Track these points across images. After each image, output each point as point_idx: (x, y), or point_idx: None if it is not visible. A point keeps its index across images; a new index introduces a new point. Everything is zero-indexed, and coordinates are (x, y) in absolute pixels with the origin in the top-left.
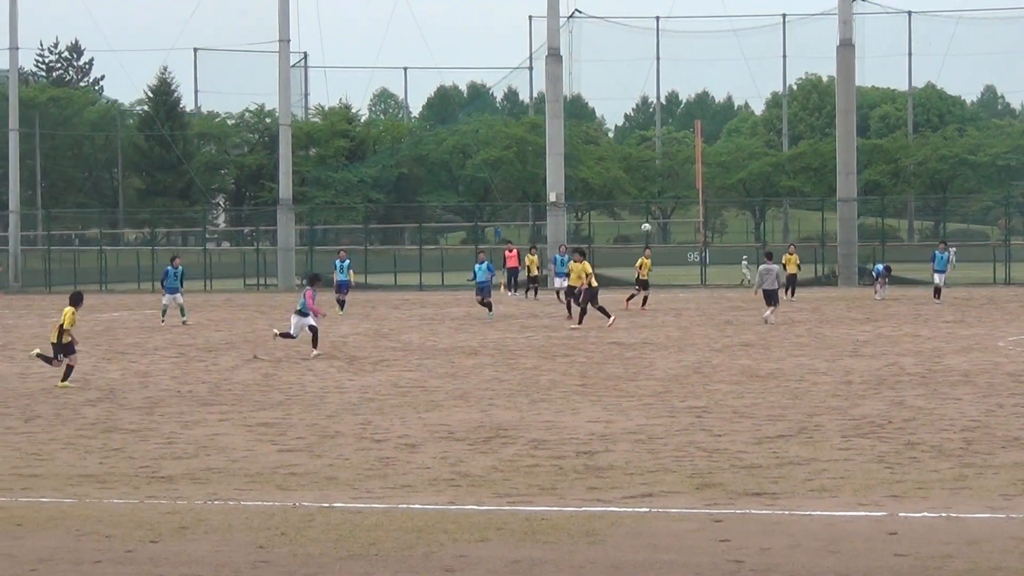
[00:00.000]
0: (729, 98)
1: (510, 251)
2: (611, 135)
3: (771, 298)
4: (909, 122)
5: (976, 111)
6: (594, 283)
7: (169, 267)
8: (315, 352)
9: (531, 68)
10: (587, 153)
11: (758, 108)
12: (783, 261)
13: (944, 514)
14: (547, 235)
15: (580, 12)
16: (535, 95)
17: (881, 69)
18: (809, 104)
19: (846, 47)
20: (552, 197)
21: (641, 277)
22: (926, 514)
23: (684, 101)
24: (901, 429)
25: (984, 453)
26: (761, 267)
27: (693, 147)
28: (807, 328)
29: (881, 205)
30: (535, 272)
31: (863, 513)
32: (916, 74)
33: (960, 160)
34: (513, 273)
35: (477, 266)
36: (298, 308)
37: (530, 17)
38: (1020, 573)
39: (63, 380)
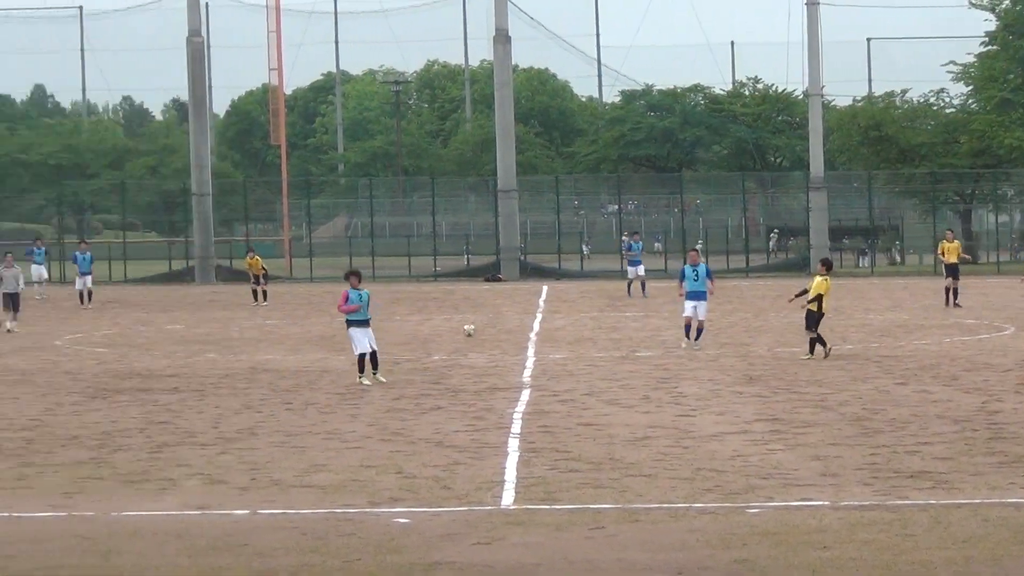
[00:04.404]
0: None
1: None
2: None
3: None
4: None
5: (26, 110)
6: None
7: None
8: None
9: None
10: None
11: None
12: None
13: (6, 514)
14: None
15: None
16: None
17: None
18: None
19: None
20: None
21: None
22: None
23: None
24: None
25: (44, 452)
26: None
27: None
28: None
29: None
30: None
31: None
32: None
33: (12, 159)
34: None
35: None
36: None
37: None
38: (81, 571)
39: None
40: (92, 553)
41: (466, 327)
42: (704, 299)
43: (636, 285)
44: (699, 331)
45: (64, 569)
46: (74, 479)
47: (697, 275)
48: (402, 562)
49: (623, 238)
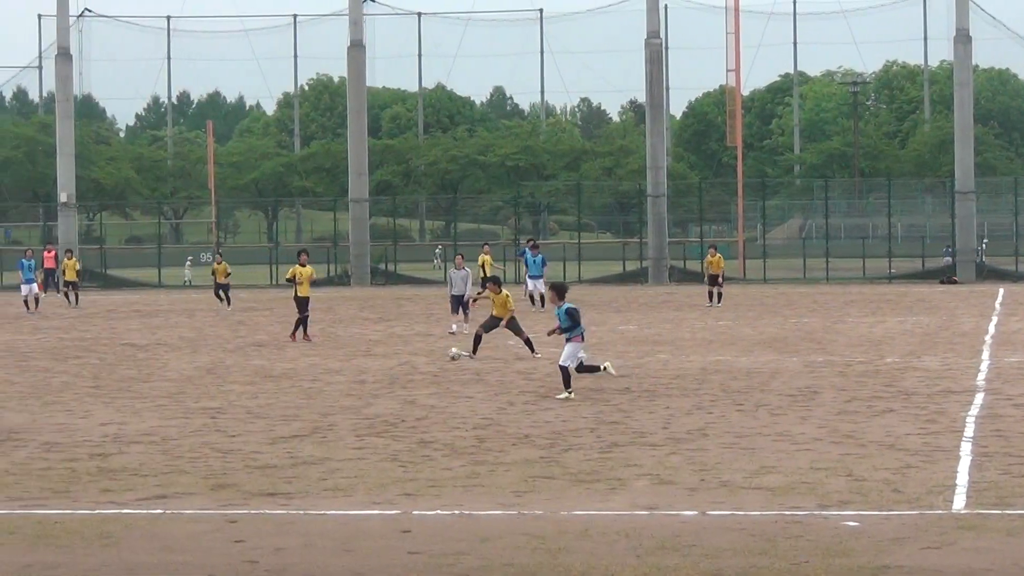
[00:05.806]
0: (241, 98)
1: (48, 251)
2: (122, 135)
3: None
4: (419, 123)
5: (485, 112)
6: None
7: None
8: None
9: (40, 67)
10: (98, 153)
11: (270, 108)
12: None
13: (457, 512)
14: (59, 236)
15: (90, 11)
16: (45, 94)
17: (392, 70)
18: (321, 104)
19: (356, 48)
20: (63, 198)
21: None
22: (439, 512)
23: (196, 101)
24: (414, 428)
25: (496, 451)
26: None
27: (205, 147)
28: (321, 328)
29: (393, 205)
30: (72, 276)
31: (377, 512)
32: (426, 75)
33: (470, 161)
34: (50, 274)
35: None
36: None
37: (39, 16)
38: (530, 569)
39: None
40: (541, 551)
41: (452, 351)
42: None
43: None
44: None
45: (513, 567)
46: (524, 478)
47: None
48: (850, 565)
49: None
